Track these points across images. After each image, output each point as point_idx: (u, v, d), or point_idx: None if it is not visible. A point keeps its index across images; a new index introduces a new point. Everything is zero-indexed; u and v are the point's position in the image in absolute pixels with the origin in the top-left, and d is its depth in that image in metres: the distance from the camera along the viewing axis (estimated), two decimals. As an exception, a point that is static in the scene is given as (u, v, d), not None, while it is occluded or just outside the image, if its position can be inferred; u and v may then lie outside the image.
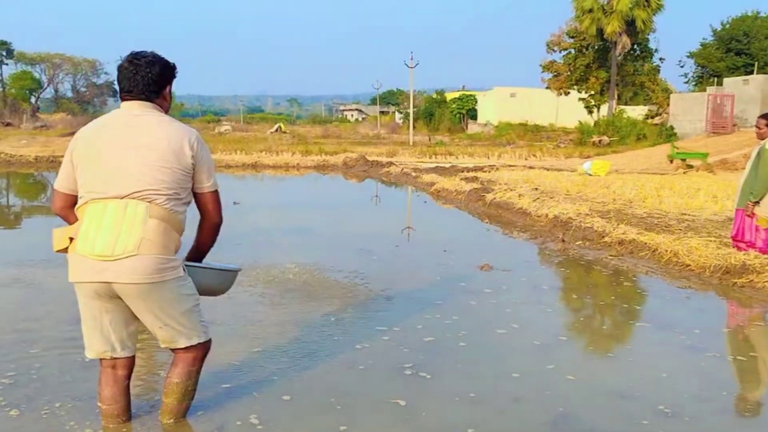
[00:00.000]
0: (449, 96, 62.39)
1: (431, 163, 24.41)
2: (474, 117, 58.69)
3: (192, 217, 3.05)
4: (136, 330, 3.10)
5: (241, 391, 3.59)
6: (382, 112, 70.77)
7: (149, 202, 2.84)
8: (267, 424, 3.19)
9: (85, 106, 65.66)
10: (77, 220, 2.96)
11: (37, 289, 5.74)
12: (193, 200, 3.06)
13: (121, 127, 2.92)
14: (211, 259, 3.28)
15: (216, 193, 3.09)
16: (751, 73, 34.70)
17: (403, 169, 19.54)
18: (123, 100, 3.00)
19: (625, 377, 3.94)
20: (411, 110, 41.64)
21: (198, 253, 3.19)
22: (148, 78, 2.94)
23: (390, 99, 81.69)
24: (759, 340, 4.92)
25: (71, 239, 2.88)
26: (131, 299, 2.87)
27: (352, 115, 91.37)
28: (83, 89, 67.16)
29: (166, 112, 3.07)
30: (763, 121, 6.79)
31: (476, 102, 60.03)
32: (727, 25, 42.75)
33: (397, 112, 73.54)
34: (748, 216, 6.81)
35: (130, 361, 3.10)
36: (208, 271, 3.16)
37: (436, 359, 4.16)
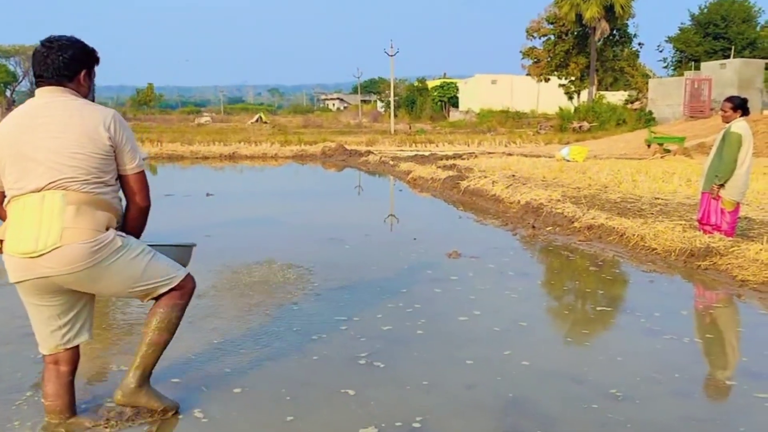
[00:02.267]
0: (431, 84, 62.36)
1: (411, 151, 24.41)
2: (456, 105, 58.73)
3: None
4: (89, 316, 3.03)
5: (191, 385, 3.54)
6: (363, 101, 70.59)
7: (65, 189, 2.74)
8: (212, 418, 3.15)
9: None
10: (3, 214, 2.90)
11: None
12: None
13: (32, 117, 2.81)
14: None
15: (140, 174, 2.95)
16: (729, 57, 34.91)
17: (381, 157, 19.50)
18: (37, 86, 2.90)
19: (580, 362, 3.94)
20: (392, 99, 41.55)
21: None
22: (59, 61, 2.83)
23: (372, 88, 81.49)
24: (716, 322, 4.94)
25: (1, 241, 2.82)
26: (79, 286, 2.82)
27: (333, 105, 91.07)
28: (60, 82, 66.32)
29: (85, 98, 2.94)
30: (728, 104, 6.81)
31: (458, 90, 60.07)
32: (705, 10, 43.00)
33: (378, 101, 73.39)
34: (714, 199, 6.84)
35: (75, 356, 3.04)
36: (161, 248, 3.10)
37: (392, 348, 4.14)
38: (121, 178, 2.94)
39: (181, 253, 3.28)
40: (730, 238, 6.68)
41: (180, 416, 3.17)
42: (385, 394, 3.46)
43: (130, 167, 2.92)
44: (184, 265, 3.22)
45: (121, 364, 3.86)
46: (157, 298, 3.03)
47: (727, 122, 6.80)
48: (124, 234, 2.91)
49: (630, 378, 3.67)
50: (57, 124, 2.77)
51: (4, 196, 2.89)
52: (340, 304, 5.12)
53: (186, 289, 3.07)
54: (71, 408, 3.07)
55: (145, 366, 3.02)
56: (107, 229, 2.83)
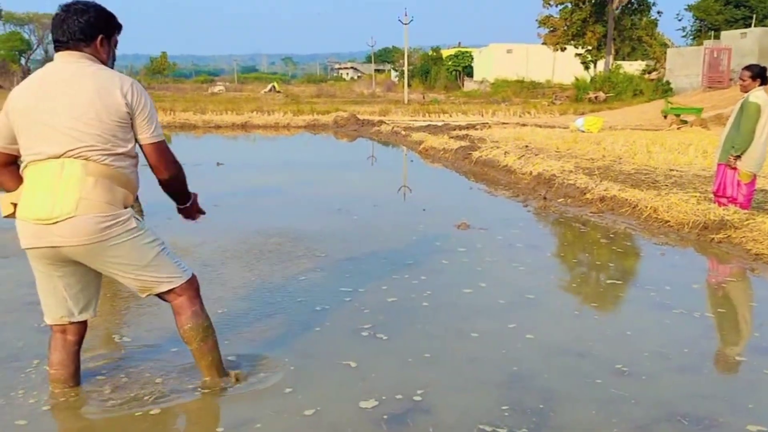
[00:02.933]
0: (445, 53, 61.67)
1: (424, 121, 24.20)
2: (470, 74, 58.10)
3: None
4: (96, 293, 3.02)
5: (190, 356, 3.51)
6: (377, 71, 69.98)
7: (85, 159, 2.69)
8: (208, 388, 3.12)
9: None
10: (11, 180, 2.85)
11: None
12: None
13: (51, 81, 2.75)
14: None
15: (159, 144, 2.86)
16: (750, 25, 34.15)
17: (393, 128, 19.34)
18: (55, 51, 2.84)
19: (586, 336, 3.87)
20: (405, 68, 41.12)
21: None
22: (75, 25, 2.76)
23: (386, 57, 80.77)
24: (728, 297, 4.85)
25: (14, 205, 2.78)
26: (86, 260, 2.78)
27: (347, 74, 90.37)
28: (74, 50, 66.30)
29: (104, 64, 2.87)
30: (747, 73, 6.61)
31: (472, 59, 59.37)
32: (727, -23, 41.98)
33: (392, 70, 72.74)
34: (731, 169, 6.68)
35: (82, 328, 3.02)
36: None
37: (396, 320, 4.09)
38: (144, 150, 2.87)
39: None
40: (746, 211, 6.55)
41: (178, 387, 3.15)
42: (387, 366, 3.42)
43: (144, 137, 2.82)
44: None
45: (124, 335, 3.85)
46: (160, 297, 3.00)
47: (746, 92, 6.62)
48: (140, 218, 2.89)
49: (637, 353, 3.60)
50: (73, 89, 2.70)
51: (14, 160, 2.86)
52: (345, 275, 5.07)
53: (193, 290, 3.03)
54: (75, 378, 3.07)
55: (216, 366, 3.13)
56: (124, 207, 2.80)
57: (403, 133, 17.80)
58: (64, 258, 2.77)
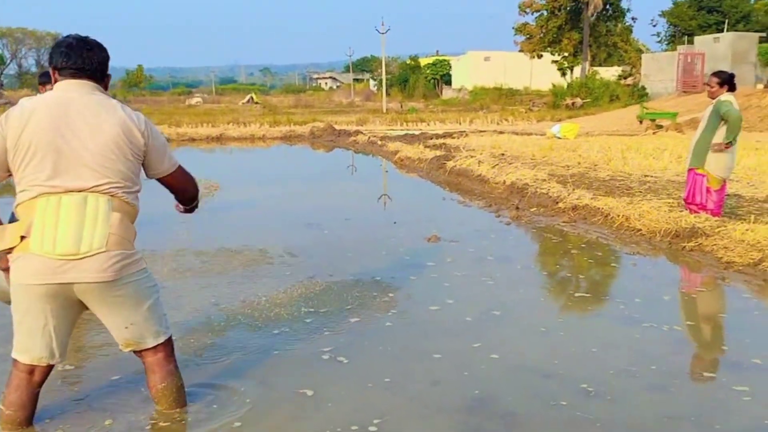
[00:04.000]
0: (423, 62, 61.78)
1: (401, 130, 24.13)
2: (448, 82, 58.23)
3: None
4: (71, 332, 2.88)
5: (133, 385, 3.33)
6: (356, 80, 70.01)
7: (111, 195, 2.67)
8: (154, 422, 2.96)
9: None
10: None
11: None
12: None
13: (69, 111, 2.66)
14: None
15: (177, 172, 2.95)
16: (723, 30, 34.54)
17: (369, 138, 19.23)
18: (69, 77, 2.73)
19: (552, 354, 3.75)
20: (383, 77, 41.10)
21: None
22: (97, 57, 2.78)
23: (364, 66, 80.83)
24: (698, 308, 4.77)
25: (22, 237, 2.62)
26: (94, 300, 2.68)
27: (326, 84, 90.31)
28: (47, 64, 65.71)
29: None
30: (715, 80, 6.57)
31: (450, 67, 59.52)
32: (699, -18, 42.46)
33: (371, 80, 72.77)
34: (700, 175, 6.61)
35: (49, 369, 2.86)
36: None
37: (358, 342, 3.95)
38: (165, 180, 2.92)
39: None
40: (717, 218, 6.49)
41: (116, 417, 2.98)
42: (345, 393, 3.27)
43: (165, 168, 2.90)
44: None
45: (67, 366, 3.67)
46: (139, 355, 2.90)
47: (713, 98, 6.58)
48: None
49: (603, 371, 3.49)
50: (98, 122, 2.68)
51: None
52: (308, 294, 4.92)
53: (170, 349, 2.97)
54: (30, 420, 2.90)
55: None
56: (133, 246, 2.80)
57: (380, 143, 17.69)
58: (68, 297, 2.67)
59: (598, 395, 3.22)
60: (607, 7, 40.87)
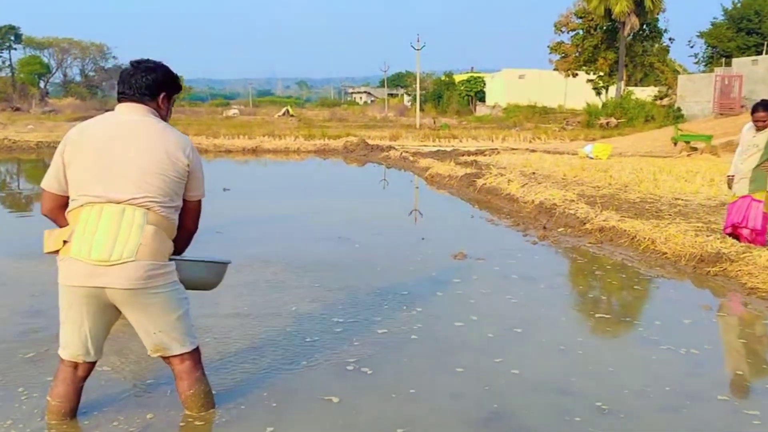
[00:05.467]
0: (458, 78, 62.01)
1: (434, 146, 24.33)
2: (482, 99, 58.34)
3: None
4: (108, 333, 3.13)
5: (167, 389, 3.55)
6: (390, 95, 70.46)
7: (147, 209, 2.88)
8: (190, 421, 3.17)
9: (94, 90, 65.87)
10: (65, 221, 2.98)
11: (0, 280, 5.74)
12: None
13: (118, 130, 2.95)
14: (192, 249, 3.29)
15: (199, 203, 3.15)
16: (761, 53, 34.12)
17: (402, 153, 19.46)
18: (119, 101, 3.05)
19: (569, 371, 3.88)
20: (417, 93, 41.42)
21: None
22: (142, 82, 3.00)
23: (399, 81, 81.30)
24: (717, 333, 4.85)
25: (65, 242, 2.89)
26: (125, 305, 2.91)
27: (361, 98, 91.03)
28: (92, 73, 67.36)
29: (163, 119, 3.10)
30: (763, 113, 6.51)
31: (484, 84, 59.63)
32: (738, 4, 42.00)
33: (405, 95, 73.22)
34: (756, 201, 6.57)
35: (92, 366, 3.12)
36: (196, 264, 3.17)
37: (383, 353, 4.12)
38: (185, 205, 3.10)
39: (216, 270, 3.30)
40: (743, 244, 6.53)
41: (152, 415, 3.20)
42: (369, 402, 3.45)
43: (194, 194, 3.10)
44: (218, 283, 3.33)
45: (111, 367, 3.91)
46: (164, 359, 3.11)
47: (764, 128, 6.55)
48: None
49: (618, 390, 3.61)
50: (145, 142, 2.91)
51: (58, 199, 2.98)
52: (338, 306, 5.12)
53: (197, 357, 3.17)
54: (74, 412, 3.14)
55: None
56: (167, 257, 2.99)
57: (411, 159, 17.90)
58: (103, 300, 2.90)
59: (611, 413, 3.34)
60: (644, 27, 40.70)
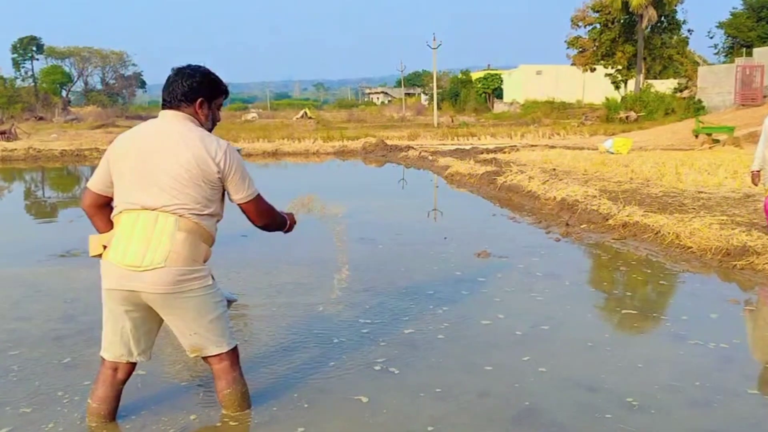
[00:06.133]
0: (474, 76, 61.86)
1: (452, 145, 24.32)
2: (500, 96, 58.13)
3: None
4: (154, 339, 3.22)
5: (199, 388, 3.62)
6: (407, 94, 70.43)
7: (179, 216, 2.94)
8: (219, 424, 3.22)
9: (115, 97, 66.61)
10: (101, 221, 3.12)
11: (33, 287, 5.85)
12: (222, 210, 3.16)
13: (153, 138, 3.03)
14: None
15: (252, 202, 3.15)
16: (783, 41, 33.65)
17: (420, 152, 19.48)
18: (164, 108, 3.12)
19: (598, 368, 3.89)
20: (434, 91, 41.41)
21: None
22: (180, 88, 3.05)
23: (415, 81, 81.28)
24: (746, 326, 4.82)
25: (105, 246, 3.02)
26: (160, 307, 3.00)
27: (378, 99, 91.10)
28: (112, 81, 68.07)
29: (202, 125, 3.12)
30: None
31: (502, 81, 59.41)
32: (759, -7, 41.46)
33: (422, 94, 73.18)
34: None
35: (132, 368, 3.21)
36: None
37: (410, 353, 4.16)
38: (240, 207, 3.17)
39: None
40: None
41: (192, 417, 3.27)
42: (399, 401, 3.48)
43: (238, 197, 3.12)
44: None
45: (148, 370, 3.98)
46: (206, 361, 3.18)
47: None
48: (213, 277, 3.11)
49: (648, 386, 3.61)
50: (176, 150, 2.96)
51: (109, 202, 3.10)
52: (364, 306, 5.16)
53: (234, 357, 3.22)
54: (113, 414, 3.22)
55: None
56: (204, 262, 3.06)
57: (431, 158, 17.91)
58: (139, 302, 2.99)
59: (642, 409, 3.35)
60: (662, 19, 40.28)
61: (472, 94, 57.40)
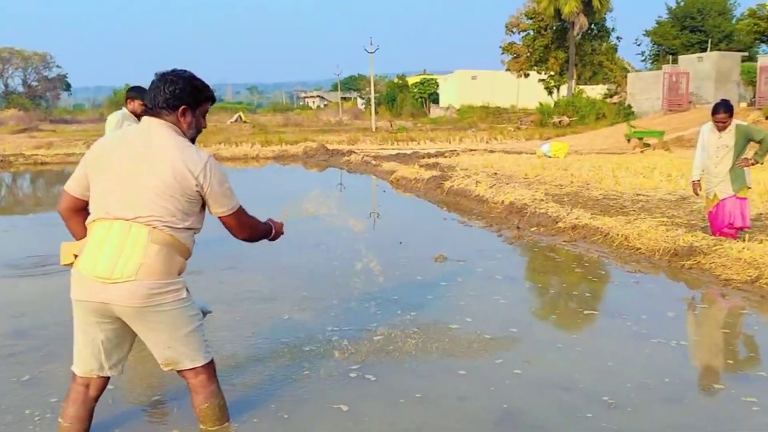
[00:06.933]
0: (411, 80, 62.36)
1: (393, 149, 24.40)
2: (436, 101, 58.78)
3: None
4: (127, 352, 3.08)
5: (173, 404, 3.51)
6: (344, 99, 70.41)
7: (153, 227, 2.82)
8: (207, 438, 3.13)
9: (38, 100, 63.90)
10: (77, 225, 2.99)
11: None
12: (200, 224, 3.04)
13: (132, 146, 2.89)
14: None
15: (232, 216, 3.06)
16: (705, 50, 35.27)
17: (363, 157, 19.47)
18: (147, 114, 2.99)
19: (571, 369, 3.96)
20: (372, 96, 41.49)
21: None
22: (162, 95, 2.91)
23: (352, 85, 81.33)
24: (702, 324, 5.01)
25: (76, 256, 2.89)
26: (132, 321, 2.87)
27: (314, 102, 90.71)
28: (35, 83, 65.32)
29: (185, 134, 2.98)
30: (726, 114, 6.67)
31: (438, 86, 60.09)
32: (682, 3, 43.33)
33: (359, 98, 73.27)
34: (740, 199, 6.72)
35: (104, 384, 3.06)
36: None
37: (384, 360, 4.14)
38: (220, 220, 3.07)
39: None
40: (714, 238, 6.76)
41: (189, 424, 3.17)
42: (378, 408, 3.46)
43: (218, 212, 3.02)
44: None
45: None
46: (179, 374, 3.07)
47: (726, 128, 6.72)
48: (188, 290, 3.00)
49: (621, 384, 3.71)
50: (154, 161, 2.84)
51: (85, 206, 2.96)
52: (330, 314, 5.11)
53: (211, 371, 3.12)
54: None
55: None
56: (178, 275, 2.93)
57: (374, 162, 17.93)
58: (110, 314, 2.86)
59: (618, 407, 3.43)
60: (593, 26, 41.63)
61: (408, 99, 57.81)
